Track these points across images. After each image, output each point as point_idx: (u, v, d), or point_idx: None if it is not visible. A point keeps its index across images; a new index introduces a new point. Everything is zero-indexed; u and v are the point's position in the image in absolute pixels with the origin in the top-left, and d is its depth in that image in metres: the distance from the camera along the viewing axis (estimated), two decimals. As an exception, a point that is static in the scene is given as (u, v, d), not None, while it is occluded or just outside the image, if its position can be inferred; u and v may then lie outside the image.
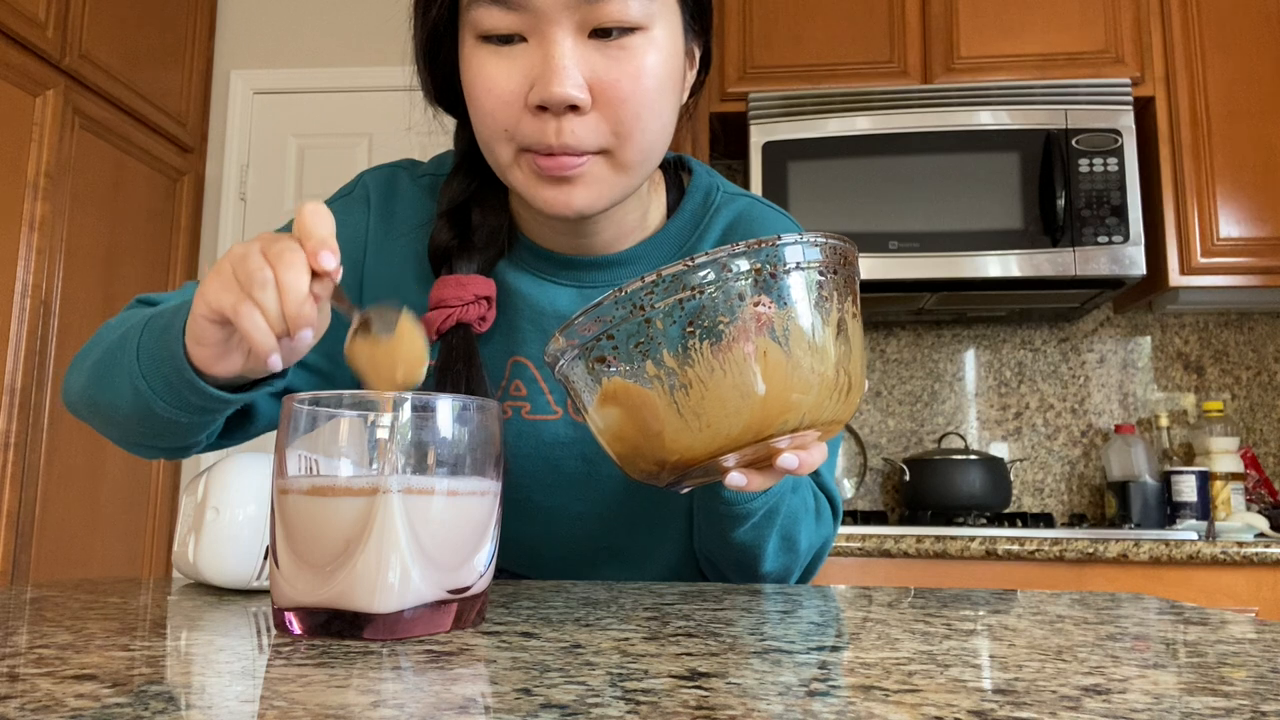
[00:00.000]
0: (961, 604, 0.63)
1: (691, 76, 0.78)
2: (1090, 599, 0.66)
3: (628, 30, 0.67)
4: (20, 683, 0.36)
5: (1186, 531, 1.95)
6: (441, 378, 0.74)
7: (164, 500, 2.63)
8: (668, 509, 0.82)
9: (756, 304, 0.49)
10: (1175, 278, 2.16)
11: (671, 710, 0.32)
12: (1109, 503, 2.34)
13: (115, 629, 0.49)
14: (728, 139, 2.44)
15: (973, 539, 1.85)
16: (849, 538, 1.88)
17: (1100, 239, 2.09)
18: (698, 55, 0.78)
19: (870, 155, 2.18)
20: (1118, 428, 2.36)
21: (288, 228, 0.82)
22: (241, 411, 0.76)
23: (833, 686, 0.37)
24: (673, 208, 0.83)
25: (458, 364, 0.74)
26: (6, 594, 0.65)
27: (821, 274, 0.51)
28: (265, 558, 0.66)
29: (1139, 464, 2.27)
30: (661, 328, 0.50)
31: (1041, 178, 2.13)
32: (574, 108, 0.66)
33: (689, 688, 0.36)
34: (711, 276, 0.49)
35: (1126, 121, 2.13)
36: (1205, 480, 2.20)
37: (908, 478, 2.31)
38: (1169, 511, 2.23)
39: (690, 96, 0.79)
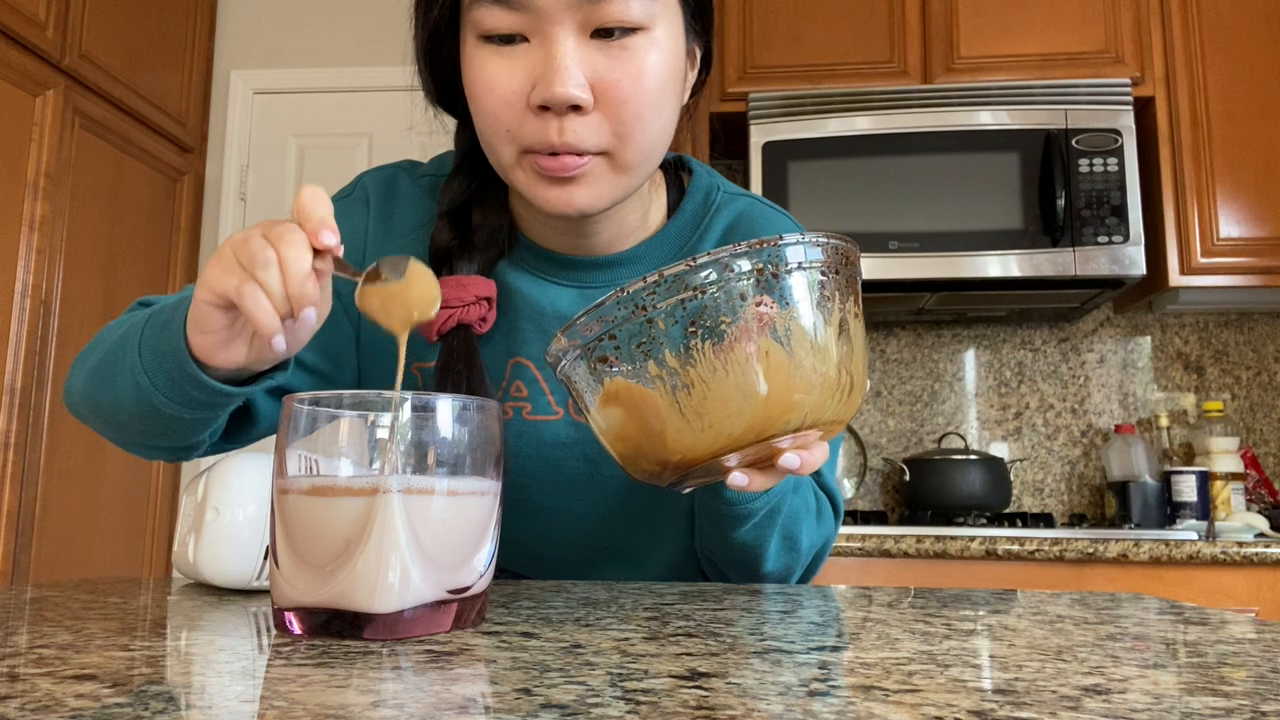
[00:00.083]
0: (961, 604, 0.63)
1: (692, 76, 0.78)
2: (1090, 599, 0.66)
3: (629, 30, 0.67)
4: (20, 683, 0.36)
5: (1186, 531, 1.95)
6: (442, 378, 0.74)
7: (164, 500, 2.63)
8: (669, 509, 0.82)
9: (759, 304, 0.49)
10: (1175, 278, 2.16)
11: (671, 710, 0.32)
12: (1109, 503, 2.34)
13: (115, 629, 0.49)
14: (728, 139, 2.44)
15: (973, 539, 1.85)
16: (849, 538, 1.88)
17: (1100, 239, 2.09)
18: (699, 55, 0.78)
19: (870, 155, 2.18)
20: (1118, 428, 2.36)
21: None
22: (242, 413, 0.76)
23: (833, 686, 0.37)
24: (673, 208, 0.83)
25: (459, 365, 0.74)
26: (6, 594, 0.65)
27: (823, 274, 0.51)
28: (265, 558, 0.66)
29: (1139, 464, 2.27)
30: (664, 328, 0.50)
31: (1041, 178, 2.13)
32: (576, 108, 0.66)
33: (689, 688, 0.36)
34: (713, 276, 0.49)
35: (1126, 121, 2.13)
36: (1205, 480, 2.20)
37: (908, 478, 2.31)
38: (1169, 511, 2.23)
39: (691, 96, 0.79)
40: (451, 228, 0.79)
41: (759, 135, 2.21)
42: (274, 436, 0.55)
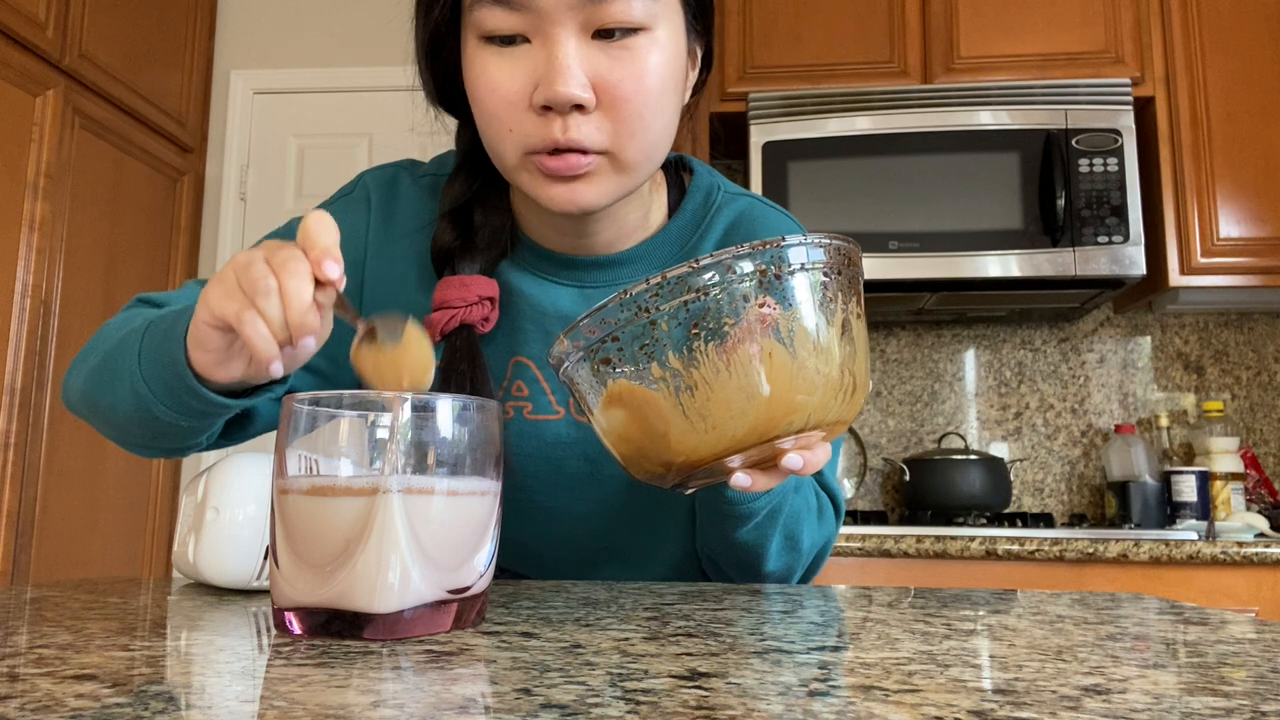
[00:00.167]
0: (961, 604, 0.63)
1: (694, 76, 0.78)
2: (1090, 599, 0.66)
3: (631, 31, 0.67)
4: (20, 683, 0.36)
5: (1186, 531, 1.95)
6: (445, 378, 0.74)
7: (164, 500, 2.63)
8: (669, 509, 0.82)
9: (761, 305, 0.50)
10: (1175, 278, 2.16)
11: (671, 710, 0.32)
12: (1109, 503, 2.34)
13: (115, 629, 0.49)
14: (728, 139, 2.44)
15: (973, 539, 1.85)
16: (849, 538, 1.88)
17: (1100, 239, 2.09)
18: (700, 55, 0.78)
19: (870, 155, 2.18)
20: (1118, 428, 2.36)
21: (287, 228, 0.82)
22: (241, 412, 0.76)
23: (833, 686, 0.37)
24: (674, 207, 0.83)
25: (461, 365, 0.74)
26: (6, 594, 0.65)
27: (826, 275, 0.51)
28: (265, 558, 0.66)
29: (1139, 464, 2.27)
30: (666, 329, 0.50)
31: (1041, 178, 2.13)
32: (579, 107, 0.66)
33: (689, 688, 0.36)
34: (716, 278, 0.49)
35: (1126, 121, 2.13)
36: (1205, 480, 2.20)
37: (908, 478, 2.31)
38: (1169, 511, 2.23)
39: (692, 96, 0.79)
40: (453, 228, 0.79)
41: (759, 135, 2.21)
42: (274, 436, 0.55)
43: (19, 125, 2.14)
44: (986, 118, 2.17)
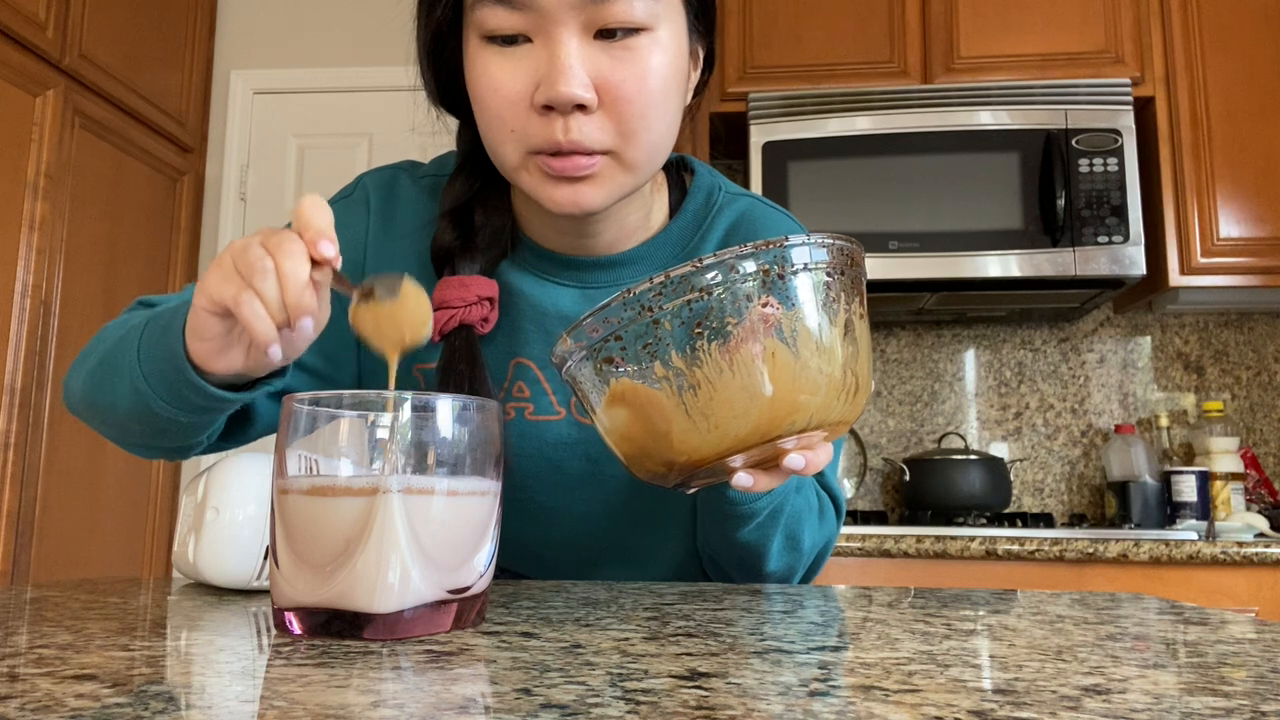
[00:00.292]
0: (961, 604, 0.63)
1: (695, 76, 0.78)
2: (1090, 599, 0.66)
3: (633, 31, 0.67)
4: (20, 683, 0.36)
5: (1186, 531, 1.95)
6: (444, 378, 0.74)
7: (164, 500, 2.63)
8: (670, 509, 0.82)
9: (764, 305, 0.50)
10: (1175, 278, 2.16)
11: (671, 710, 0.32)
12: (1109, 503, 2.34)
13: (115, 629, 0.49)
14: (728, 139, 2.44)
15: (973, 539, 1.84)
16: (849, 538, 1.88)
17: (1100, 239, 2.09)
18: (701, 55, 0.78)
19: (870, 155, 2.18)
20: (1118, 428, 2.36)
21: (288, 227, 0.82)
22: (241, 413, 0.76)
23: (833, 686, 0.37)
24: (675, 208, 0.83)
25: (461, 365, 0.74)
26: (6, 594, 0.65)
27: (829, 275, 0.51)
28: (265, 558, 0.66)
29: (1139, 464, 2.26)
30: (669, 329, 0.50)
31: (1041, 178, 2.13)
32: (581, 107, 0.66)
33: (689, 688, 0.36)
34: (719, 278, 0.49)
35: (1126, 121, 2.13)
36: (1205, 480, 2.20)
37: (908, 478, 2.31)
38: (1169, 511, 2.23)
39: (694, 96, 0.79)
40: (454, 227, 0.79)
41: (759, 135, 2.21)
42: (274, 436, 0.55)
43: (19, 125, 2.14)
44: (986, 118, 2.17)
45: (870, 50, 2.30)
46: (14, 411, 2.11)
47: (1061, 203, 2.09)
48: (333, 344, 0.81)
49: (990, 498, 2.24)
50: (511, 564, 0.88)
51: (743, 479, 0.55)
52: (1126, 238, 2.08)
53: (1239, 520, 2.09)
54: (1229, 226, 2.15)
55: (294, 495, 0.48)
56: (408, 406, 0.49)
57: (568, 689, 0.35)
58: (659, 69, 0.68)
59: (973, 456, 2.27)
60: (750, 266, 0.50)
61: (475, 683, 0.37)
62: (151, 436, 0.71)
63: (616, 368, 0.52)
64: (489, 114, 0.69)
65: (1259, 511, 2.22)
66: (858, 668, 0.40)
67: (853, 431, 2.50)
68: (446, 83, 0.77)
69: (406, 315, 0.58)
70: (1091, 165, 2.11)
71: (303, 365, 0.80)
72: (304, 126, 2.85)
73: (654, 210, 0.82)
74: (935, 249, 2.13)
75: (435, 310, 0.75)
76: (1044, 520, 2.18)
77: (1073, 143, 2.13)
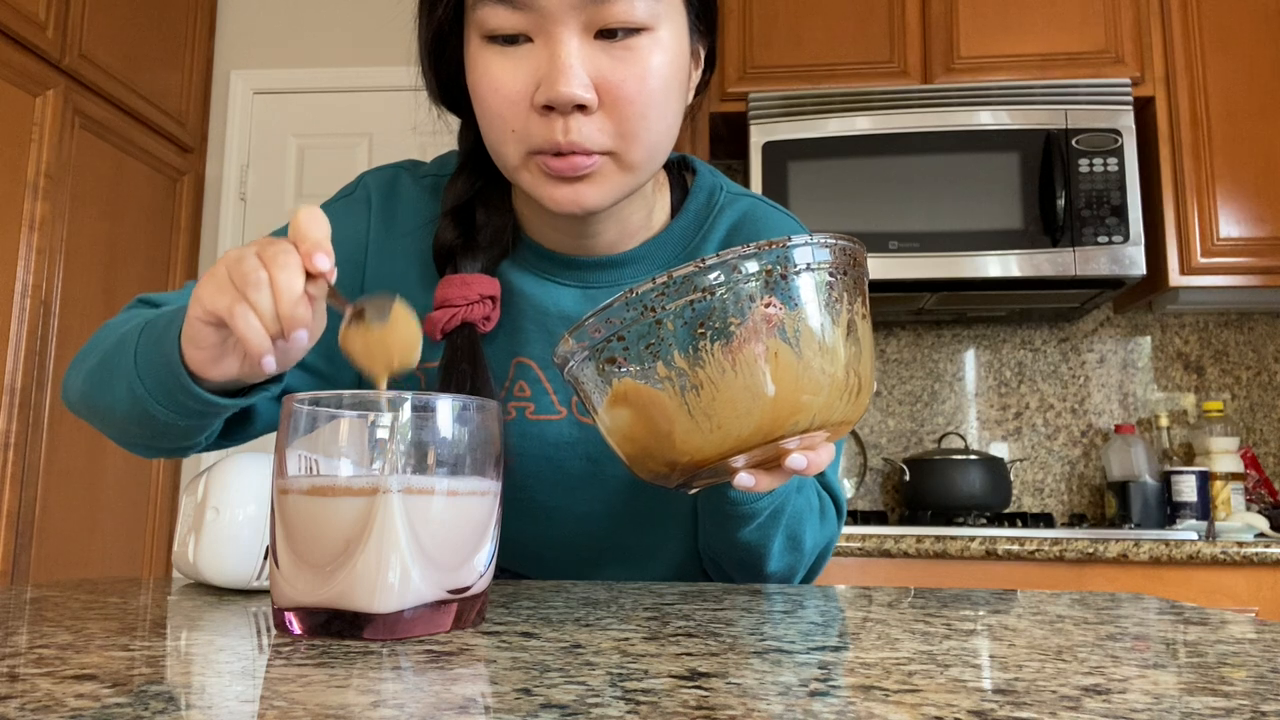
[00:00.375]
0: (961, 604, 0.63)
1: (696, 76, 0.78)
2: (1090, 599, 0.66)
3: (633, 31, 0.67)
4: (20, 683, 0.36)
5: (1186, 531, 1.95)
6: (446, 377, 0.74)
7: (164, 500, 2.63)
8: (671, 509, 0.82)
9: (767, 305, 0.50)
10: (1175, 278, 2.16)
11: (671, 710, 0.32)
12: (1109, 503, 2.34)
13: (115, 629, 0.49)
14: (728, 139, 2.44)
15: (973, 539, 1.84)
16: (849, 538, 1.88)
17: (1100, 239, 2.09)
18: (702, 55, 0.78)
19: (870, 155, 2.18)
20: (1118, 428, 2.36)
21: (285, 230, 0.82)
22: (241, 413, 0.76)
23: (833, 686, 0.37)
24: (677, 208, 0.83)
25: (462, 363, 0.74)
26: (6, 594, 0.65)
27: (831, 275, 0.51)
28: (265, 558, 0.66)
29: (1139, 464, 2.26)
30: (672, 329, 0.50)
31: (1041, 178, 2.13)
32: (581, 107, 0.66)
33: (689, 688, 0.36)
34: (721, 278, 0.49)
35: (1126, 121, 2.13)
36: (1205, 480, 2.20)
37: (908, 478, 2.31)
38: (1169, 511, 2.23)
39: (695, 96, 0.79)
40: (455, 226, 0.79)
41: (759, 135, 2.21)
42: (274, 436, 0.55)
43: (19, 125, 2.14)
44: (986, 118, 2.17)
45: (870, 50, 2.30)
46: (14, 411, 2.11)
47: (1061, 203, 2.09)
48: (332, 343, 0.81)
49: (990, 498, 2.24)
50: (512, 564, 0.88)
51: (745, 479, 0.55)
52: (1126, 238, 2.08)
53: (1239, 520, 2.09)
54: (1229, 226, 2.15)
55: (294, 495, 0.48)
56: (408, 406, 0.49)
57: (568, 689, 0.35)
58: (659, 69, 0.68)
59: (973, 456, 2.27)
60: (753, 267, 0.50)
61: (475, 683, 0.37)
62: (149, 437, 0.71)
63: (619, 368, 0.52)
64: (490, 113, 0.69)
65: (1259, 511, 2.22)
66: (858, 668, 0.40)
67: (853, 431, 2.50)
68: (448, 82, 0.77)
69: (396, 340, 0.58)
70: (1091, 165, 2.11)
71: (303, 365, 0.80)
72: (304, 126, 2.85)
73: (656, 210, 0.82)
74: (935, 249, 2.13)
75: (437, 308, 0.75)
76: (1044, 520, 2.18)
77: (1073, 143, 2.13)
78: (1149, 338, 2.47)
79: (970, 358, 2.52)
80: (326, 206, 0.84)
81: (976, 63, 2.27)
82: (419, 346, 0.59)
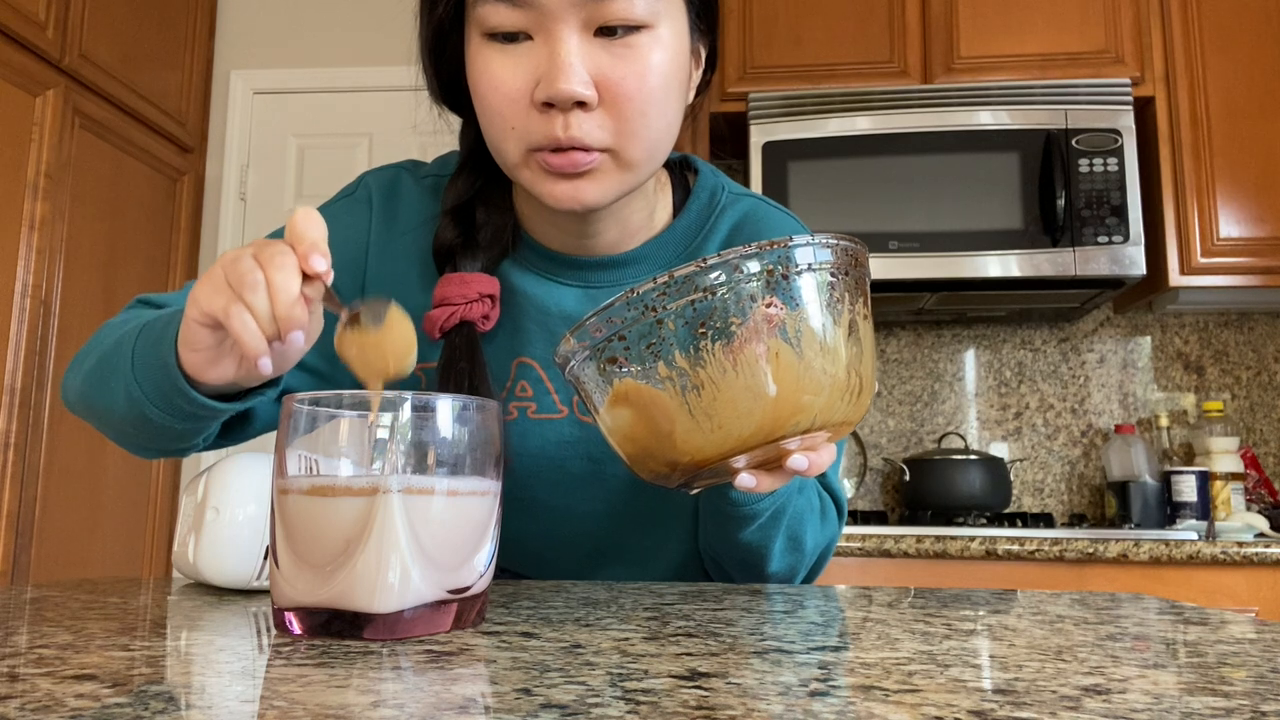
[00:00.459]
0: (961, 604, 0.63)
1: (697, 76, 0.78)
2: (1090, 599, 0.66)
3: (633, 28, 0.67)
4: (20, 683, 0.36)
5: (1186, 531, 1.95)
6: (445, 375, 0.74)
7: (164, 500, 2.63)
8: (672, 509, 0.82)
9: (768, 305, 0.50)
10: (1175, 278, 2.16)
11: (671, 710, 0.32)
12: (1109, 503, 2.34)
13: (115, 629, 0.49)
14: (728, 139, 2.44)
15: (973, 539, 1.84)
16: (849, 538, 1.88)
17: (1100, 239, 2.09)
18: (703, 54, 0.78)
19: (870, 155, 2.18)
20: (1118, 428, 2.36)
21: (282, 232, 0.82)
22: (240, 413, 0.76)
23: (833, 686, 0.37)
24: (678, 207, 0.83)
25: (461, 362, 0.74)
26: (6, 594, 0.65)
27: (833, 275, 0.51)
28: (265, 558, 0.66)
29: (1139, 464, 2.26)
30: (673, 329, 0.50)
31: (1041, 178, 2.13)
32: (581, 104, 0.66)
33: (689, 688, 0.36)
34: (723, 278, 0.49)
35: (1126, 121, 2.13)
36: (1205, 480, 2.20)
37: (908, 478, 2.31)
38: (1169, 511, 2.23)
39: (696, 96, 0.79)
40: (455, 225, 0.79)
41: (759, 135, 2.21)
42: (274, 436, 0.55)
43: (19, 125, 2.14)
44: (986, 118, 2.17)
45: (870, 50, 2.30)
46: (14, 411, 2.11)
47: (1061, 203, 2.09)
48: (330, 343, 0.81)
49: (990, 498, 2.24)
50: (512, 564, 0.88)
51: (746, 480, 0.55)
52: (1126, 238, 2.08)
53: (1239, 520, 2.09)
54: (1229, 226, 2.15)
55: (294, 495, 0.48)
56: (408, 406, 0.49)
57: (568, 689, 0.35)
58: (659, 67, 0.68)
59: (973, 456, 2.27)
60: (754, 266, 0.49)
61: (475, 683, 0.37)
62: (147, 438, 0.71)
63: (620, 368, 0.52)
64: (490, 111, 0.69)
65: (1259, 511, 2.22)
66: (858, 668, 0.40)
67: (853, 431, 2.50)
68: (449, 80, 0.77)
69: (390, 345, 0.58)
70: (1091, 165, 2.11)
71: (303, 365, 0.80)
72: (304, 126, 2.85)
73: (657, 210, 0.82)
74: (935, 249, 2.13)
75: (436, 307, 0.75)
76: (1044, 520, 2.18)
77: (1073, 143, 2.13)
78: (1149, 338, 2.47)
79: (970, 358, 2.52)
80: (327, 207, 0.84)
81: (976, 63, 2.27)
82: (414, 352, 0.59)
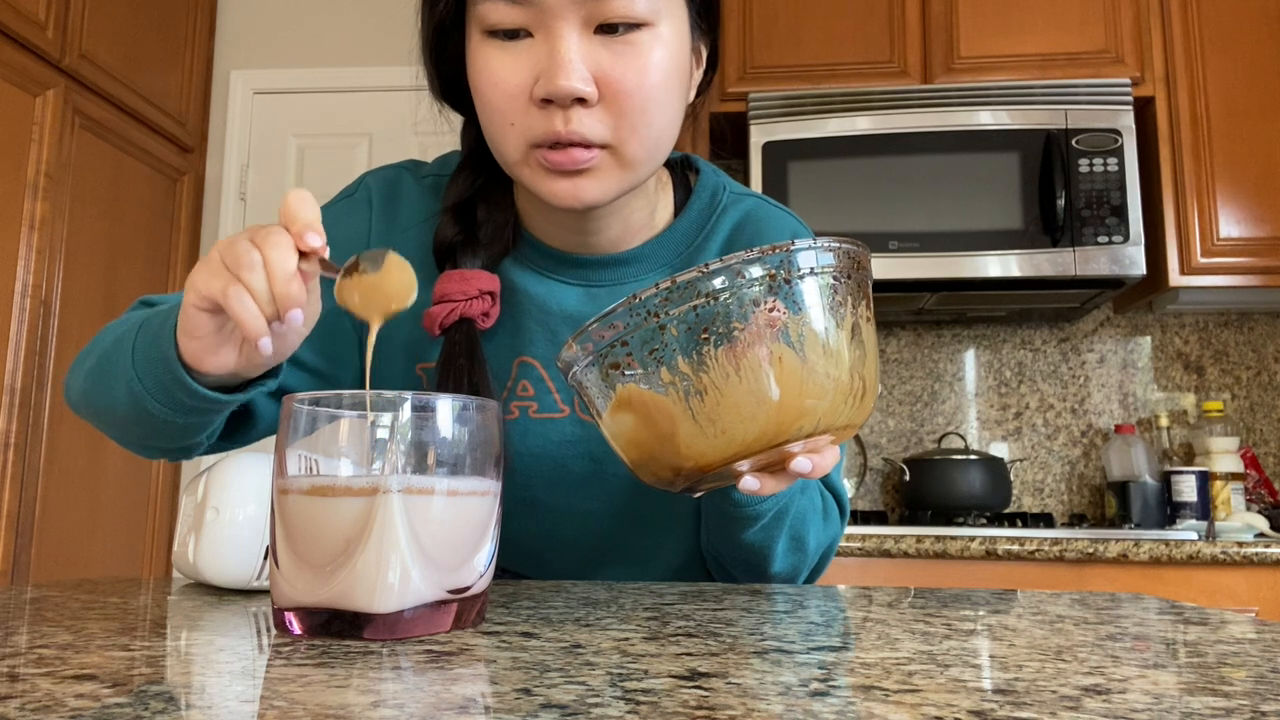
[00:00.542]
0: (961, 604, 0.63)
1: (698, 75, 0.78)
2: (1090, 599, 0.66)
3: (634, 26, 0.67)
4: (20, 683, 0.36)
5: (1186, 531, 1.95)
6: (444, 372, 0.74)
7: (164, 500, 2.63)
8: (673, 509, 0.82)
9: (771, 309, 0.50)
10: (1175, 278, 2.16)
11: (671, 710, 0.32)
12: (1109, 503, 2.34)
13: (115, 629, 0.49)
14: (728, 139, 2.44)
15: (973, 539, 1.84)
16: (849, 538, 1.88)
17: (1100, 239, 2.09)
18: (704, 54, 0.78)
19: (870, 155, 2.18)
20: (1118, 428, 2.36)
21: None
22: (243, 413, 0.76)
23: (833, 686, 0.37)
24: (680, 207, 0.83)
25: (460, 359, 0.74)
26: (6, 594, 0.65)
27: (835, 278, 0.51)
28: (265, 558, 0.66)
29: (1139, 464, 2.26)
30: (676, 334, 0.50)
31: (1041, 178, 2.13)
32: (581, 101, 0.66)
33: (689, 688, 0.36)
34: (725, 283, 0.49)
35: (1126, 121, 2.13)
36: (1205, 480, 2.20)
37: (908, 478, 2.31)
38: (1169, 511, 2.23)
39: (697, 95, 0.79)
40: (456, 222, 0.79)
41: (759, 135, 2.21)
42: (274, 436, 0.55)
43: (19, 125, 2.14)
44: (986, 118, 2.17)
45: (870, 50, 2.30)
46: (14, 411, 2.11)
47: (1061, 203, 2.09)
48: (332, 342, 0.81)
49: (990, 498, 2.24)
50: (513, 564, 0.88)
51: (750, 482, 0.55)
52: (1126, 238, 2.08)
53: (1239, 520, 2.09)
54: (1229, 226, 2.15)
55: (294, 495, 0.48)
56: (408, 406, 0.49)
57: (568, 689, 0.35)
58: (659, 64, 0.68)
59: (973, 456, 2.27)
60: (757, 271, 0.49)
61: (475, 683, 0.37)
62: (150, 437, 0.71)
63: (623, 373, 0.52)
64: (489, 108, 0.69)
65: (1259, 511, 2.22)
66: (858, 668, 0.40)
67: (853, 431, 2.50)
68: (450, 78, 0.77)
69: (391, 284, 0.58)
70: (1091, 165, 2.11)
71: (304, 365, 0.80)
72: (304, 126, 2.85)
73: (658, 209, 0.82)
74: (935, 249, 2.12)
75: (436, 303, 0.75)
76: (1044, 520, 2.18)
77: (1073, 143, 2.13)
78: (1149, 338, 2.47)
79: (970, 358, 2.52)
80: (327, 208, 0.84)
81: (976, 63, 2.27)
82: (414, 290, 0.59)
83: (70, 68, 2.26)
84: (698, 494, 0.57)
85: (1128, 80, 2.16)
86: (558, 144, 0.67)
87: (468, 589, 0.50)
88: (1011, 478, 2.37)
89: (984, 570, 1.85)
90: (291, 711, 0.32)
